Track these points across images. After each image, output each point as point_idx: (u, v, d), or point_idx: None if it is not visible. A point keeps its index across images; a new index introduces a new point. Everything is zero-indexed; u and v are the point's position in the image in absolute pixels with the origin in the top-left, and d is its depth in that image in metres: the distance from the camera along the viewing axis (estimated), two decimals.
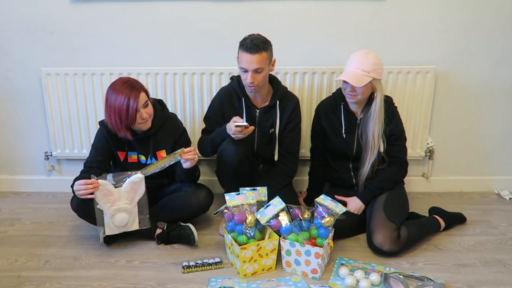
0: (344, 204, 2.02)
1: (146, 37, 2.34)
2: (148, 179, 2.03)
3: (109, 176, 1.83)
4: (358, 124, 2.05)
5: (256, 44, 1.87)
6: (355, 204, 2.05)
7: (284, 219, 1.76)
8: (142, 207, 1.87)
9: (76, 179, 1.85)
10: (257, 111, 2.08)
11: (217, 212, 1.86)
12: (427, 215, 2.18)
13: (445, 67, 2.38)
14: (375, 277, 1.66)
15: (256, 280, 1.71)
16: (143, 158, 2.02)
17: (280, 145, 2.12)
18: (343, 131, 2.07)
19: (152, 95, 2.08)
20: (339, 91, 2.06)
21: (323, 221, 1.73)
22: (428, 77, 2.34)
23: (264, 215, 1.76)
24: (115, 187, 1.82)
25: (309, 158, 2.30)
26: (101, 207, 1.79)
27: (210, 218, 2.18)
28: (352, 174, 2.13)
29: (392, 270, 1.75)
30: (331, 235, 1.75)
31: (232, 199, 1.80)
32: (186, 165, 1.89)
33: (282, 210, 1.78)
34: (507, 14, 2.31)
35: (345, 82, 1.92)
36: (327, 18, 2.31)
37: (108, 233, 1.84)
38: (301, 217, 1.78)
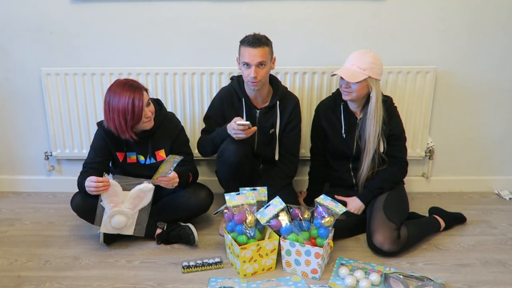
0: (344, 204, 2.02)
1: (146, 37, 2.34)
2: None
3: (109, 176, 1.83)
4: (358, 124, 2.05)
5: (258, 39, 1.91)
6: (355, 204, 2.05)
7: (284, 219, 1.76)
8: (142, 215, 1.87)
9: (80, 179, 1.87)
10: (257, 111, 2.08)
11: (217, 212, 1.86)
12: (427, 215, 2.18)
13: (445, 67, 2.38)
14: (375, 277, 1.66)
15: (256, 280, 1.71)
16: (142, 158, 2.02)
17: (280, 145, 2.12)
18: (343, 131, 2.07)
19: (152, 95, 2.08)
20: (339, 91, 2.06)
21: (323, 221, 1.73)
22: (428, 77, 2.34)
23: (264, 215, 1.76)
24: (123, 190, 1.81)
25: (309, 158, 2.30)
26: (104, 205, 1.79)
27: (210, 218, 2.18)
28: (352, 174, 2.13)
29: (392, 270, 1.75)
30: (331, 235, 1.75)
31: (232, 199, 1.80)
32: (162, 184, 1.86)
33: (282, 210, 1.78)
34: (507, 14, 2.31)
35: (341, 78, 1.93)
36: (327, 18, 2.31)
37: (102, 230, 1.85)
38: (301, 217, 1.78)
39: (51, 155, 2.52)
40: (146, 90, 1.90)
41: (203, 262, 1.80)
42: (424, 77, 2.34)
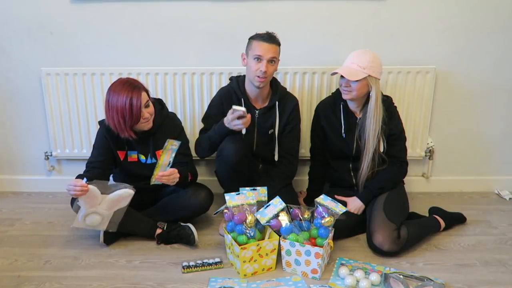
0: (344, 204, 2.02)
1: (146, 37, 2.34)
2: (145, 181, 2.03)
3: (110, 182, 1.83)
4: (358, 124, 2.05)
5: (272, 36, 1.95)
6: (355, 204, 2.05)
7: (284, 219, 1.76)
8: (117, 216, 1.87)
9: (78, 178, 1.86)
10: (257, 111, 2.08)
11: (217, 212, 1.86)
12: (427, 215, 2.18)
13: (445, 67, 2.38)
14: (375, 277, 1.66)
15: (256, 280, 1.71)
16: (143, 157, 2.02)
17: (279, 146, 2.12)
18: (343, 131, 2.07)
19: (152, 95, 2.08)
20: (338, 90, 2.06)
21: (323, 221, 1.73)
22: (428, 77, 2.34)
23: (264, 215, 1.76)
24: (102, 194, 1.81)
25: (309, 158, 2.30)
26: (81, 204, 1.80)
27: (210, 218, 2.18)
28: (352, 174, 2.13)
29: (392, 270, 1.75)
30: (331, 235, 1.75)
31: (232, 199, 1.80)
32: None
33: (282, 210, 1.78)
34: (507, 14, 2.31)
35: (341, 77, 1.93)
36: (327, 18, 2.31)
37: (75, 225, 1.85)
38: (301, 217, 1.78)
39: (51, 155, 2.52)
40: (147, 91, 1.91)
41: (203, 262, 1.80)
42: (424, 77, 2.34)
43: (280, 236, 1.74)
